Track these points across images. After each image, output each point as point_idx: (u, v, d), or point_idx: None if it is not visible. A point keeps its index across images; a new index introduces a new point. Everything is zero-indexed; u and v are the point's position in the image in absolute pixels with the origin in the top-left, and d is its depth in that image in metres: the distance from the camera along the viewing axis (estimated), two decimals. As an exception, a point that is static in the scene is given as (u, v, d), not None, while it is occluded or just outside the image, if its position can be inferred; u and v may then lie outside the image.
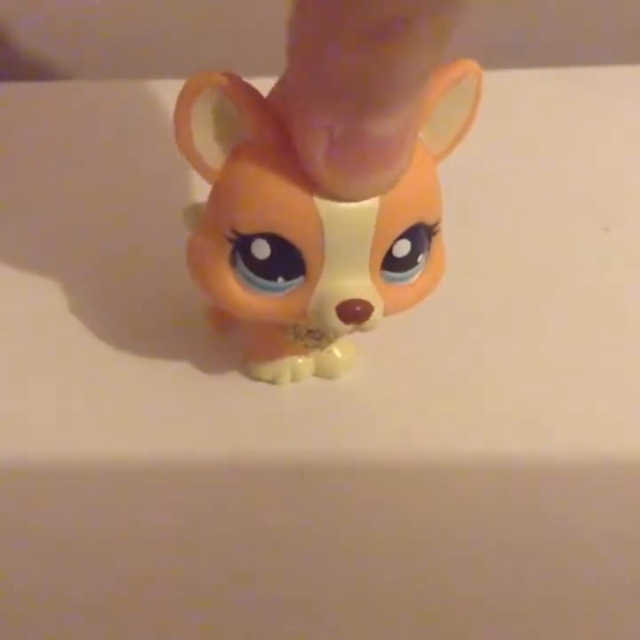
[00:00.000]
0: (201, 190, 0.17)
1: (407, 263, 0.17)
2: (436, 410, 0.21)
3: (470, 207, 0.26)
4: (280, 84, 0.16)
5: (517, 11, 0.34)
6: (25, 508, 0.19)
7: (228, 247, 0.16)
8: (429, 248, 0.17)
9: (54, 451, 0.20)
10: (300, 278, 0.16)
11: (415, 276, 0.17)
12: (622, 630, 0.17)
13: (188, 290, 0.21)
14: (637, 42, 0.35)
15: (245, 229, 0.15)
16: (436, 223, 0.17)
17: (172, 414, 0.21)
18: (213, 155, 0.16)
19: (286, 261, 0.16)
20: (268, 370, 0.21)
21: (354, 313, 0.16)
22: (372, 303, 0.16)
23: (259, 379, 0.21)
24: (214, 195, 0.16)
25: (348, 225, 0.15)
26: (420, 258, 0.17)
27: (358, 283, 0.16)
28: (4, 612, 0.17)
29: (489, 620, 0.17)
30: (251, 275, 0.16)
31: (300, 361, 0.21)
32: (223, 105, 0.15)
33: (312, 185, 0.15)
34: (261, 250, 0.16)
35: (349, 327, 0.16)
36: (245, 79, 0.15)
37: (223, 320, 0.22)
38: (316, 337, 0.19)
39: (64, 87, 0.34)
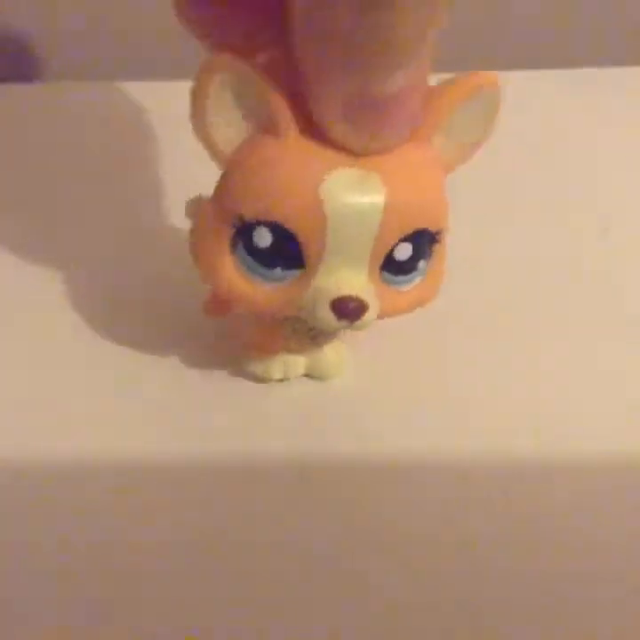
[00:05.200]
0: (197, 189, 0.17)
1: (407, 267, 0.17)
2: (429, 410, 0.21)
3: (469, 206, 0.26)
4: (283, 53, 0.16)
5: (518, 12, 0.34)
6: (23, 508, 0.19)
7: (230, 232, 0.16)
8: (431, 256, 0.17)
9: (53, 451, 0.20)
10: (299, 270, 0.16)
11: (414, 281, 0.17)
12: (623, 630, 0.17)
13: (186, 293, 0.21)
14: (637, 43, 0.35)
15: (249, 216, 0.15)
16: (439, 232, 0.17)
17: (168, 416, 0.21)
18: (227, 140, 0.16)
19: (286, 252, 0.16)
20: (259, 365, 0.21)
21: (347, 310, 0.16)
22: (367, 302, 0.16)
23: (250, 372, 0.21)
24: (222, 180, 0.16)
25: (351, 221, 0.15)
26: (421, 264, 0.17)
27: (355, 280, 0.16)
28: (3, 612, 0.17)
29: (489, 620, 0.17)
30: (250, 261, 0.16)
31: (291, 359, 0.21)
32: (240, 90, 0.15)
33: (319, 177, 0.15)
34: (263, 238, 0.16)
35: (341, 324, 0.16)
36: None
37: (220, 312, 0.22)
38: (313, 335, 0.19)
39: (59, 88, 0.34)
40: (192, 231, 0.17)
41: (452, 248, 0.18)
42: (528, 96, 0.32)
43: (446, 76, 0.16)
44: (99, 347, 0.22)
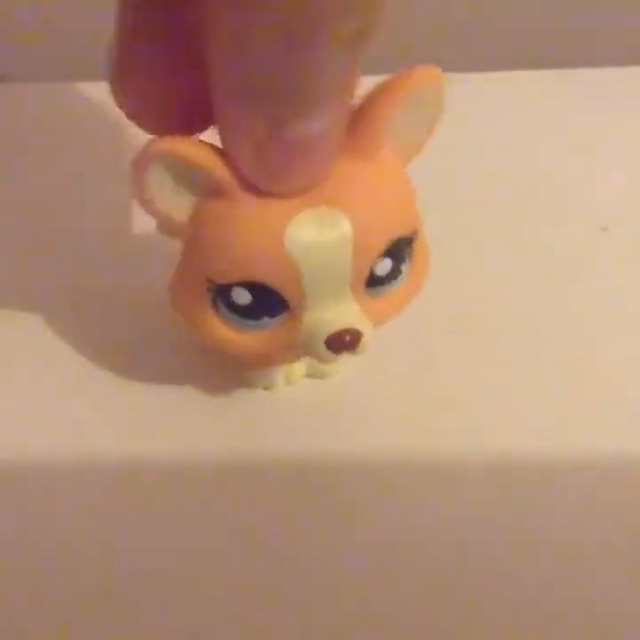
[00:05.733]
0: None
1: (391, 277, 0.16)
2: (430, 409, 0.21)
3: (468, 206, 0.26)
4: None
5: (517, 11, 0.34)
6: (22, 508, 0.19)
7: (209, 295, 0.16)
8: (411, 255, 0.17)
9: (54, 451, 0.20)
10: (287, 312, 0.16)
11: (400, 283, 0.17)
12: (623, 630, 0.17)
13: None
14: (637, 43, 0.35)
15: (222, 280, 0.15)
16: (414, 232, 0.16)
17: (167, 417, 0.21)
18: (180, 211, 0.15)
19: (269, 302, 0.16)
20: (262, 378, 0.21)
21: (344, 344, 0.16)
22: (360, 329, 0.16)
23: (254, 386, 0.21)
24: (187, 246, 0.16)
25: (323, 260, 0.15)
26: (403, 268, 0.17)
27: (343, 310, 0.16)
28: (3, 612, 0.17)
29: (489, 620, 0.17)
30: (235, 318, 0.16)
31: (292, 366, 0.21)
32: (179, 171, 0.15)
33: (279, 229, 0.15)
34: (241, 297, 0.16)
35: (340, 357, 0.16)
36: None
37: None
38: None
39: (49, 88, 0.34)
40: (171, 291, 0.17)
41: (451, 249, 0.18)
42: (528, 96, 0.32)
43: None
44: (103, 348, 0.22)
